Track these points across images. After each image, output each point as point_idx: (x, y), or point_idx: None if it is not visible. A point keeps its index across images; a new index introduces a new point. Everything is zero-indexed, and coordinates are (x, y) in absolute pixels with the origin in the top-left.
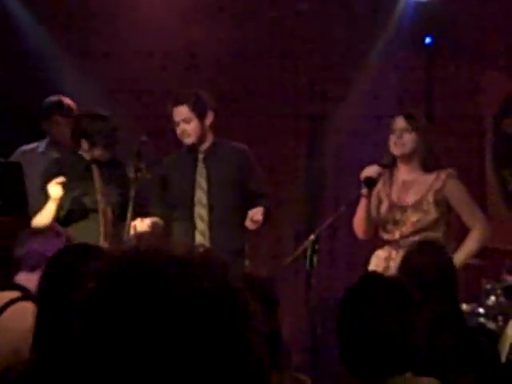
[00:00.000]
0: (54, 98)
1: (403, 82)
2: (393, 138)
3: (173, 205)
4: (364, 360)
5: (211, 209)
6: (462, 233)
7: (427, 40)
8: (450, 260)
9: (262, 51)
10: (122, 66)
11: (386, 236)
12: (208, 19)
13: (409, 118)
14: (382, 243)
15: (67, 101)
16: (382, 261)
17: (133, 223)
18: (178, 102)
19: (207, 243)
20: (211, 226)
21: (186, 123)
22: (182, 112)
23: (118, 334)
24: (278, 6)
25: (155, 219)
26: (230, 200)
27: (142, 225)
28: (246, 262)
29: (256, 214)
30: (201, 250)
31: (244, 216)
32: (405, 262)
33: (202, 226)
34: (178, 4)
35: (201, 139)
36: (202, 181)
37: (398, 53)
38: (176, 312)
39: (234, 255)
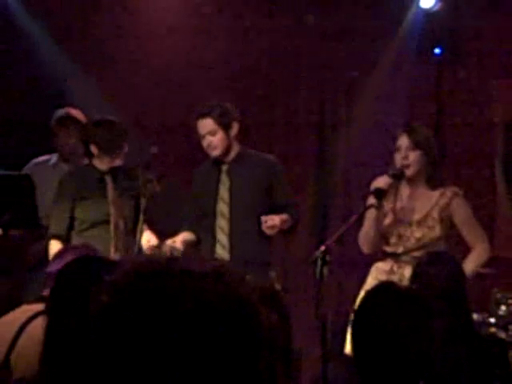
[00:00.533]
0: (58, 111)
1: (413, 91)
2: (398, 157)
3: (200, 217)
4: (378, 369)
5: (232, 220)
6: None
7: (437, 50)
8: (461, 270)
9: (271, 61)
10: (125, 72)
11: (388, 249)
12: (215, 31)
13: (412, 135)
14: (383, 256)
15: (67, 113)
16: (382, 273)
17: (167, 242)
18: (203, 115)
19: (227, 255)
20: (231, 237)
21: (212, 136)
22: (206, 125)
23: (130, 348)
24: (284, 19)
25: (187, 235)
26: (253, 212)
27: (175, 244)
28: (273, 274)
29: (271, 219)
30: (216, 263)
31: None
32: (416, 273)
33: (222, 237)
34: (184, 15)
35: (227, 150)
36: (224, 192)
37: (407, 63)
38: (187, 326)
39: (256, 267)
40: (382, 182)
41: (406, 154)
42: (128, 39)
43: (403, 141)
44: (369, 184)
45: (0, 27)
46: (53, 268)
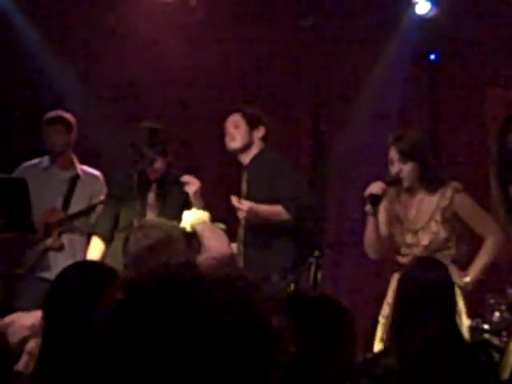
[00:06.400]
0: (48, 113)
1: (407, 97)
2: (392, 169)
3: None
4: None
5: (247, 228)
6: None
7: (432, 56)
8: (449, 275)
9: (266, 64)
10: (122, 71)
11: (401, 260)
12: (209, 33)
13: (401, 147)
14: (398, 267)
15: (57, 114)
16: None
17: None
18: (232, 111)
19: (241, 262)
20: (246, 244)
21: (235, 128)
22: (233, 119)
23: (140, 345)
24: (281, 23)
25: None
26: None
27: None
28: (289, 279)
29: (240, 202)
30: (229, 270)
31: (280, 234)
32: (404, 279)
33: (238, 245)
34: (180, 17)
35: (246, 148)
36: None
37: (401, 68)
38: (195, 330)
39: (272, 274)
40: (376, 187)
41: (400, 168)
42: (118, 39)
43: (394, 154)
44: (365, 187)
45: None
46: None
